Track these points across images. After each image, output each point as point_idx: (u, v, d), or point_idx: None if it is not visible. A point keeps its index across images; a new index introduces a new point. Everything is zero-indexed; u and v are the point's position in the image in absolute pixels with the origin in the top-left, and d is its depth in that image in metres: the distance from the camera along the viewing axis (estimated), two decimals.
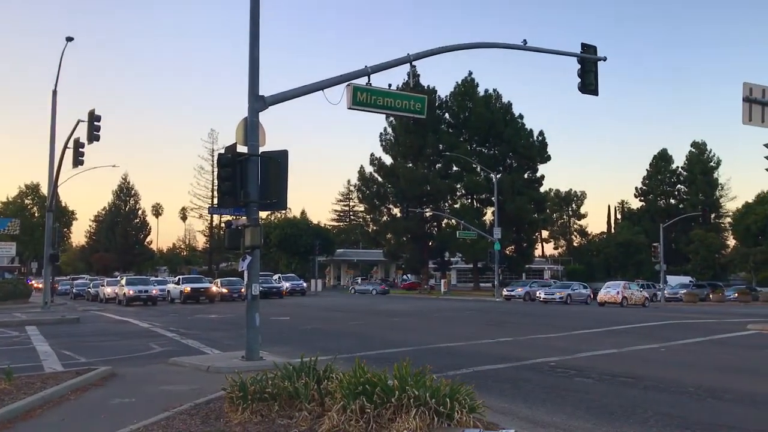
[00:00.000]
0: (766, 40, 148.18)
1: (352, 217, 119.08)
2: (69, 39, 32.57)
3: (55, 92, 33.10)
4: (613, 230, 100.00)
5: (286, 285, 54.87)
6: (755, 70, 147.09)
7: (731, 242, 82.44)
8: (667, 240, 66.68)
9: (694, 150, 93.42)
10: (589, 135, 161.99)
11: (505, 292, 54.51)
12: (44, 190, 41.05)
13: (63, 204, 78.60)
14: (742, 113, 23.10)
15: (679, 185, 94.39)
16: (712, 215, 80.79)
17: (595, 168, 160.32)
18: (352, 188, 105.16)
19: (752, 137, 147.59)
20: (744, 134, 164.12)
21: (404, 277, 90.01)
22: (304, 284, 61.30)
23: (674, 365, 13.29)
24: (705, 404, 9.20)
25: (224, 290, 45.83)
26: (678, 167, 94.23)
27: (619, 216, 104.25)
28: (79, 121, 30.14)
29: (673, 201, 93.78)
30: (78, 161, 30.43)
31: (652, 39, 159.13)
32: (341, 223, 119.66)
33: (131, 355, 15.13)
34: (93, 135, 28.29)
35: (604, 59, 18.52)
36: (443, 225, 70.30)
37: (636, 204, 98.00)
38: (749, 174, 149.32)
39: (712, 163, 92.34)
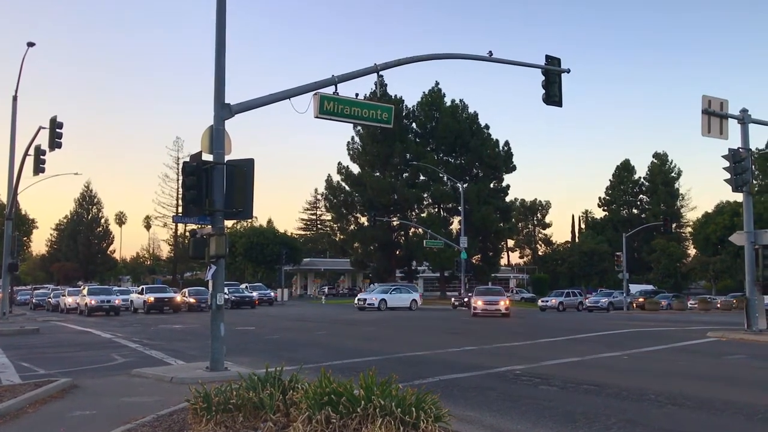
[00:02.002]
0: (726, 53, 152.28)
1: (319, 225, 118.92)
2: (30, 44, 32.04)
3: (15, 98, 32.44)
4: (577, 239, 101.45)
5: (254, 294, 54.40)
6: (715, 82, 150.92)
7: (692, 251, 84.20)
8: (630, 249, 67.97)
9: (655, 161, 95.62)
10: (553, 145, 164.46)
11: (356, 301, 51.34)
12: (3, 197, 40.33)
13: (23, 212, 76.88)
14: (701, 125, 23.67)
15: (641, 195, 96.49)
16: (674, 225, 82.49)
17: (560, 178, 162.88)
18: (319, 197, 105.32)
19: (711, 148, 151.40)
20: (704, 146, 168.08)
21: (371, 285, 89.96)
22: (272, 294, 60.92)
23: (637, 373, 13.49)
24: (666, 411, 9.35)
25: (192, 300, 45.21)
26: (640, 178, 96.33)
27: (583, 225, 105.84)
28: (40, 128, 29.58)
29: (635, 211, 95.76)
30: (39, 169, 29.80)
31: (615, 51, 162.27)
32: (308, 232, 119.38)
33: (93, 366, 14.84)
34: (55, 142, 27.72)
35: (568, 71, 18.82)
36: (410, 234, 70.55)
37: (599, 213, 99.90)
38: (709, 184, 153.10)
39: (673, 174, 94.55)
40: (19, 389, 10.29)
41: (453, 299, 55.68)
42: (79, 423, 8.31)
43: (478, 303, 36.88)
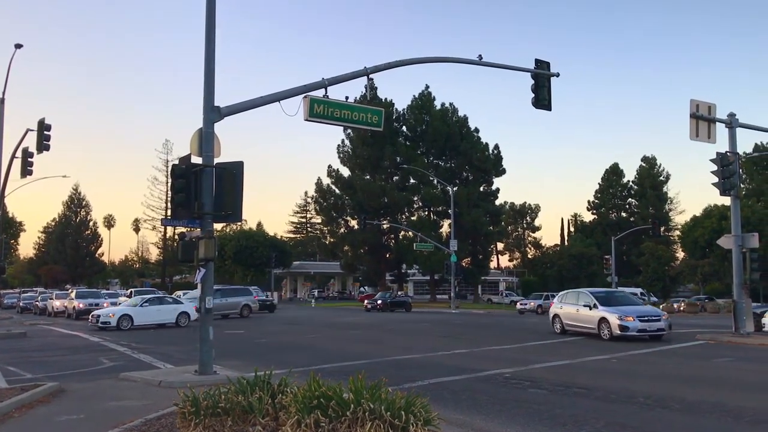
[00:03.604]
0: (715, 57, 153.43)
1: (309, 229, 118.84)
2: (18, 46, 31.78)
3: (2, 100, 32.20)
4: (566, 243, 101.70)
5: (274, 298, 52.78)
6: (704, 86, 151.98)
7: (680, 254, 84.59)
8: (619, 252, 68.17)
9: (644, 164, 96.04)
10: (542, 149, 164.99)
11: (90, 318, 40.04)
12: None
13: (10, 215, 76.42)
14: (689, 129, 23.78)
15: (630, 198, 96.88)
16: (662, 228, 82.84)
17: (549, 181, 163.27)
18: (309, 200, 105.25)
19: (699, 152, 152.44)
20: (692, 149, 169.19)
21: (361, 289, 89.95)
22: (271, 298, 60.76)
23: (625, 375, 13.53)
24: (654, 413, 9.39)
25: None
26: (629, 181, 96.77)
27: (572, 229, 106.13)
28: (28, 130, 29.40)
29: (624, 214, 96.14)
30: (27, 171, 29.57)
31: (605, 55, 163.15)
32: (298, 235, 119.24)
33: (80, 370, 14.75)
34: (43, 144, 27.53)
35: (557, 75, 18.89)
36: (400, 237, 70.57)
37: (588, 217, 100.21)
38: (697, 188, 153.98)
39: (661, 178, 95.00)
40: (6, 393, 10.21)
41: (366, 302, 54.41)
42: (66, 427, 8.25)
43: (630, 320, 21.65)
